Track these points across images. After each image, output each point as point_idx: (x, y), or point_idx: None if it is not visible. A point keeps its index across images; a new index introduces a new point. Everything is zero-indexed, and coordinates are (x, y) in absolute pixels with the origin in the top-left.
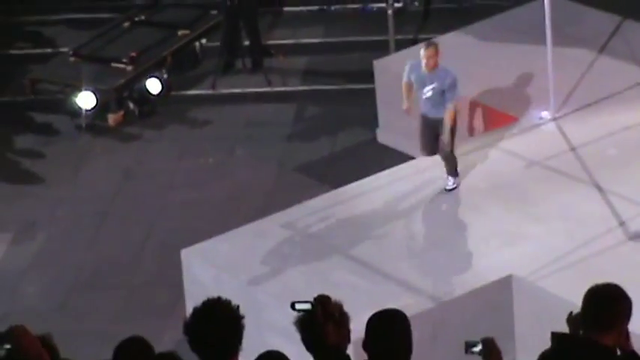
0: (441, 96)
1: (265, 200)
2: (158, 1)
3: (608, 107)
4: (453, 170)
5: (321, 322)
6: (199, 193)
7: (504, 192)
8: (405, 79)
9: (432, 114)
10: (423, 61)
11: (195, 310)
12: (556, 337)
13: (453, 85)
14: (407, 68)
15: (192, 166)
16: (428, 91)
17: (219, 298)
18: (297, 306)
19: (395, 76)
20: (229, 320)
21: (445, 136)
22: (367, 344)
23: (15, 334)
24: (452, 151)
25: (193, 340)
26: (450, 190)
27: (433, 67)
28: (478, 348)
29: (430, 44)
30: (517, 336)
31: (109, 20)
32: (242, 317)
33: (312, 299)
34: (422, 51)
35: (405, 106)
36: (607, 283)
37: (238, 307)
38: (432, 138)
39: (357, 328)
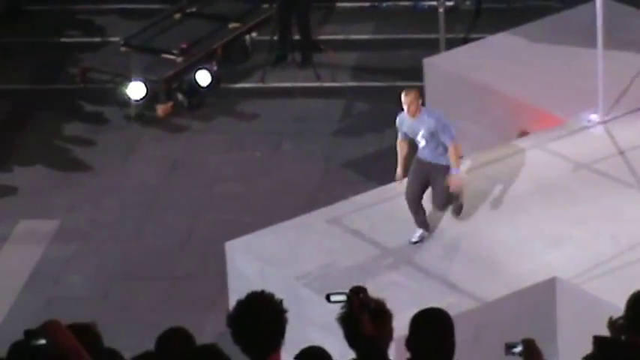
0: (434, 140)
1: (311, 195)
2: None
3: None
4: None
5: (356, 312)
6: (245, 187)
7: (551, 194)
8: (399, 138)
9: (428, 158)
10: (405, 107)
11: (239, 303)
12: (598, 340)
13: (443, 126)
14: (397, 122)
15: (239, 159)
16: (420, 140)
17: (262, 292)
18: (333, 297)
19: (444, 74)
20: (273, 314)
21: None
22: (410, 342)
23: (49, 330)
24: (449, 205)
25: (236, 333)
26: (415, 242)
27: (415, 112)
28: (519, 349)
29: (408, 90)
30: (559, 339)
31: (160, 11)
32: (285, 311)
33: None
34: (402, 97)
35: (398, 173)
36: None
37: (282, 301)
38: (420, 186)
39: (400, 326)
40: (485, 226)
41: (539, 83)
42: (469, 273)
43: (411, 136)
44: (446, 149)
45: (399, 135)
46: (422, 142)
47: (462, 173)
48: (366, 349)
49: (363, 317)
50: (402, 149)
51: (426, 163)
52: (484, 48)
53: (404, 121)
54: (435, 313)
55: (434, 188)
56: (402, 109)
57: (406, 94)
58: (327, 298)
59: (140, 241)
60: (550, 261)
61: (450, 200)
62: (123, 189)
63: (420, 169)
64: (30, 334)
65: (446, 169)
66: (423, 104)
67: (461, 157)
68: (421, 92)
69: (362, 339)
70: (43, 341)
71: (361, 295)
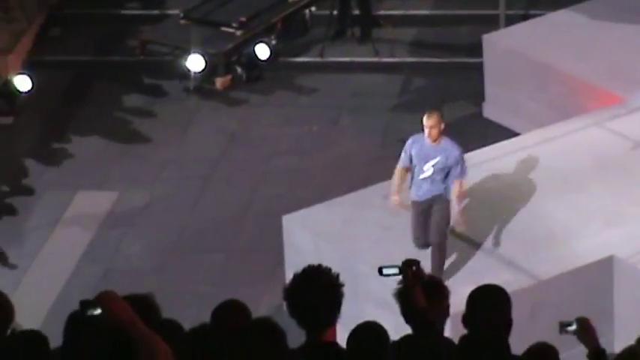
0: (441, 175)
1: (368, 170)
2: None
3: None
4: (440, 267)
5: (409, 285)
6: (303, 161)
7: (609, 172)
8: (402, 164)
9: (427, 195)
10: (426, 131)
11: (296, 276)
12: None
13: (460, 160)
14: (408, 143)
15: (296, 133)
16: (429, 168)
17: (319, 266)
18: (385, 270)
19: (503, 51)
20: (329, 288)
21: (442, 223)
22: (467, 319)
23: (104, 300)
24: (445, 240)
25: (292, 306)
26: None
27: (436, 138)
28: (573, 327)
29: (432, 112)
30: (616, 317)
31: None
32: (342, 286)
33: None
34: (424, 119)
35: (394, 197)
36: None
37: (338, 275)
38: (423, 226)
39: (456, 303)
40: (543, 204)
41: (598, 61)
42: (526, 250)
43: (419, 162)
44: (445, 185)
45: (403, 160)
46: (427, 172)
47: (464, 212)
48: (420, 323)
49: (415, 290)
50: (401, 177)
51: (424, 202)
52: (544, 25)
53: (417, 142)
54: (492, 289)
55: (431, 222)
56: (422, 131)
57: (429, 117)
58: (380, 271)
59: (198, 213)
60: (608, 239)
61: (446, 235)
62: (181, 161)
63: (420, 211)
64: (85, 305)
65: (446, 203)
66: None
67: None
68: (480, 68)
69: (416, 313)
70: (98, 311)
71: (414, 268)
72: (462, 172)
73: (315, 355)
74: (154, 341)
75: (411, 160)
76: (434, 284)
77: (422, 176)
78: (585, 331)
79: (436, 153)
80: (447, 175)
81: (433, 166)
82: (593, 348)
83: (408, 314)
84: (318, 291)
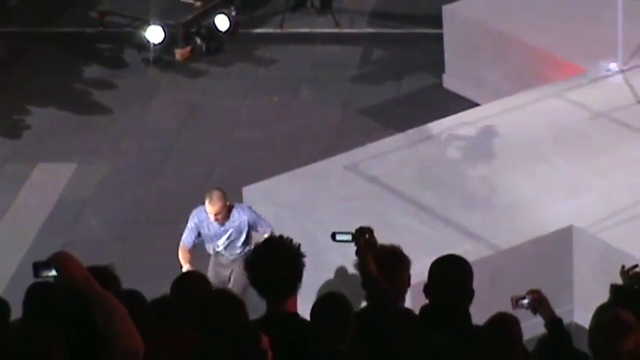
0: (240, 236)
1: (328, 141)
2: None
3: None
4: None
5: (362, 252)
6: (263, 132)
7: (569, 143)
8: (188, 244)
9: (228, 257)
10: (211, 217)
11: (257, 247)
12: (614, 289)
13: (257, 216)
14: (194, 224)
15: (257, 105)
16: (223, 244)
17: (280, 236)
18: (338, 237)
19: (463, 21)
20: (290, 258)
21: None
22: (429, 289)
23: (58, 260)
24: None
25: (254, 276)
26: None
27: (224, 218)
28: (526, 301)
29: (212, 198)
30: (575, 286)
31: None
32: (303, 256)
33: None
34: (207, 205)
35: (187, 269)
36: None
37: (299, 245)
38: (223, 284)
39: (416, 273)
40: (503, 174)
41: (559, 31)
42: (486, 220)
43: (210, 241)
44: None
45: (188, 240)
46: (222, 246)
47: None
48: (373, 292)
49: (367, 258)
50: (187, 258)
51: (227, 264)
52: None
53: (206, 224)
54: (454, 260)
55: (234, 282)
56: (205, 212)
57: (211, 202)
58: (333, 236)
59: (158, 185)
60: (567, 209)
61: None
62: (141, 133)
63: (221, 270)
64: (39, 266)
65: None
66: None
67: None
68: (440, 39)
69: (368, 281)
70: (53, 272)
71: (367, 236)
72: (265, 225)
73: (276, 326)
74: (110, 300)
75: (198, 236)
76: (394, 254)
77: (216, 250)
78: (539, 303)
79: (227, 228)
80: (247, 236)
81: (228, 239)
82: (549, 318)
83: (362, 283)
84: (279, 261)
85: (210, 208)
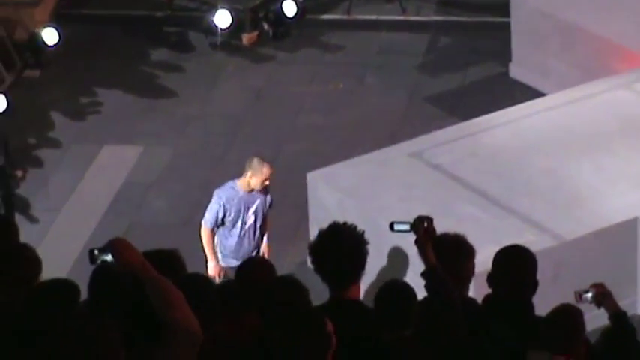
0: (262, 211)
1: (393, 129)
2: None
3: None
4: None
5: (421, 240)
6: (328, 118)
7: (635, 134)
8: (210, 225)
9: (249, 251)
10: (260, 185)
11: (322, 233)
12: None
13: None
14: (217, 206)
15: (322, 91)
16: (250, 218)
17: (345, 223)
18: (396, 226)
19: (531, 10)
20: (355, 245)
21: None
22: (493, 278)
23: (115, 246)
24: None
25: (317, 261)
26: None
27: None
28: (589, 294)
29: (263, 163)
30: (639, 278)
31: None
32: (367, 243)
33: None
34: (264, 170)
35: (213, 265)
36: None
37: (364, 233)
38: None
39: (480, 262)
40: (568, 165)
41: (626, 22)
42: (550, 211)
43: (236, 215)
44: None
45: (212, 221)
46: (250, 219)
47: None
48: (432, 280)
49: (427, 247)
50: (212, 243)
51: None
52: None
53: (236, 200)
54: (519, 250)
55: None
56: (234, 186)
57: (265, 168)
58: (391, 226)
59: (222, 170)
60: (633, 201)
61: None
62: (206, 117)
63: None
64: (95, 252)
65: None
66: None
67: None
68: (507, 28)
69: (428, 269)
70: (109, 257)
71: (426, 225)
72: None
73: (339, 312)
74: (166, 285)
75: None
76: (458, 243)
77: (243, 230)
78: (603, 296)
79: (256, 197)
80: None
81: (254, 212)
82: (613, 311)
83: (422, 272)
84: (343, 248)
85: (267, 172)
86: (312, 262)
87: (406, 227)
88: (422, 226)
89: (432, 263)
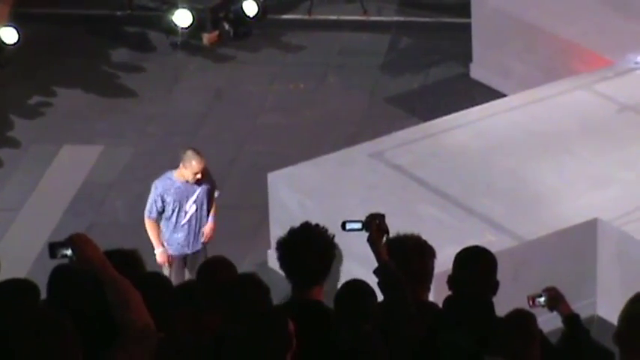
0: (205, 199)
1: (354, 129)
2: None
3: None
4: None
5: (374, 238)
6: (289, 118)
7: (595, 135)
8: (154, 216)
9: (193, 247)
10: (193, 177)
11: (293, 231)
12: None
13: (210, 188)
14: (160, 191)
15: (283, 91)
16: (191, 204)
17: (317, 225)
18: (348, 225)
19: (492, 11)
20: (324, 248)
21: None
22: (453, 279)
23: (75, 241)
24: None
25: (285, 259)
26: None
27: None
28: (542, 299)
29: (197, 154)
30: (599, 279)
31: None
32: (335, 247)
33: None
34: (191, 164)
35: (160, 252)
36: None
37: (334, 237)
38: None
39: (440, 262)
40: (529, 165)
41: (587, 23)
42: (510, 211)
43: (176, 205)
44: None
45: (153, 211)
46: (191, 209)
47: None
48: (384, 277)
49: (379, 244)
50: (157, 232)
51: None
52: None
53: (172, 190)
54: (479, 251)
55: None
56: (170, 176)
57: (198, 161)
58: (343, 225)
59: None
60: (592, 202)
61: None
62: (167, 117)
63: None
64: (55, 246)
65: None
66: None
67: None
68: (468, 28)
69: (380, 266)
70: (69, 252)
71: (377, 222)
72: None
73: (301, 312)
74: (124, 286)
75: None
76: (418, 244)
77: (182, 222)
78: (555, 300)
79: (195, 188)
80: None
81: (195, 201)
82: (566, 315)
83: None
84: (313, 248)
85: (196, 167)
86: (280, 258)
87: (358, 226)
88: (374, 224)
89: (384, 260)
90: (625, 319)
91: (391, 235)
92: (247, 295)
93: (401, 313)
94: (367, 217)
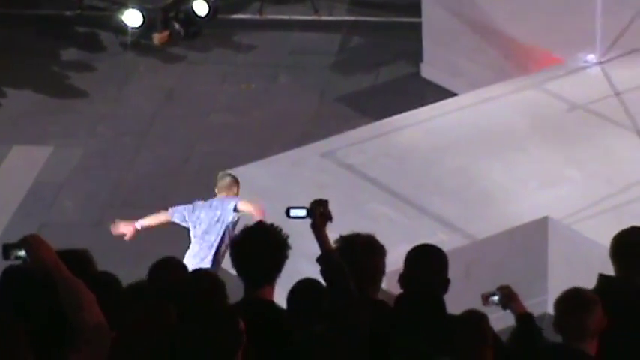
0: (218, 223)
1: (305, 129)
2: None
3: None
4: None
5: (318, 225)
6: (240, 118)
7: (545, 134)
8: (170, 216)
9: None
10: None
11: (246, 229)
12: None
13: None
14: (186, 213)
15: (234, 91)
16: (206, 219)
17: (272, 224)
18: (292, 212)
19: (442, 11)
20: (277, 247)
21: None
22: (404, 278)
23: (29, 242)
24: None
25: (237, 257)
26: None
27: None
28: (496, 297)
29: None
30: (550, 277)
31: None
32: (289, 247)
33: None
34: (226, 180)
35: (132, 224)
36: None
37: (288, 237)
38: None
39: (391, 261)
40: (479, 164)
41: (537, 22)
42: (462, 210)
43: (204, 227)
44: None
45: (174, 215)
46: (205, 222)
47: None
48: (327, 265)
49: (323, 231)
50: (158, 221)
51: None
52: None
53: (200, 209)
54: (429, 249)
55: None
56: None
57: (232, 179)
58: (287, 212)
59: (134, 169)
60: (543, 200)
61: None
62: (117, 117)
63: None
64: (9, 247)
65: None
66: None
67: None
68: (419, 28)
69: (323, 254)
70: (23, 253)
71: (322, 209)
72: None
73: (252, 311)
74: (78, 286)
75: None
76: (369, 242)
77: (200, 226)
78: (509, 299)
79: (217, 207)
80: (222, 236)
81: (213, 217)
82: (519, 313)
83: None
84: (267, 247)
85: (229, 184)
86: (232, 255)
87: (303, 213)
88: (318, 210)
89: (327, 248)
90: (558, 305)
91: (344, 234)
92: (200, 288)
93: (345, 299)
94: (311, 204)
